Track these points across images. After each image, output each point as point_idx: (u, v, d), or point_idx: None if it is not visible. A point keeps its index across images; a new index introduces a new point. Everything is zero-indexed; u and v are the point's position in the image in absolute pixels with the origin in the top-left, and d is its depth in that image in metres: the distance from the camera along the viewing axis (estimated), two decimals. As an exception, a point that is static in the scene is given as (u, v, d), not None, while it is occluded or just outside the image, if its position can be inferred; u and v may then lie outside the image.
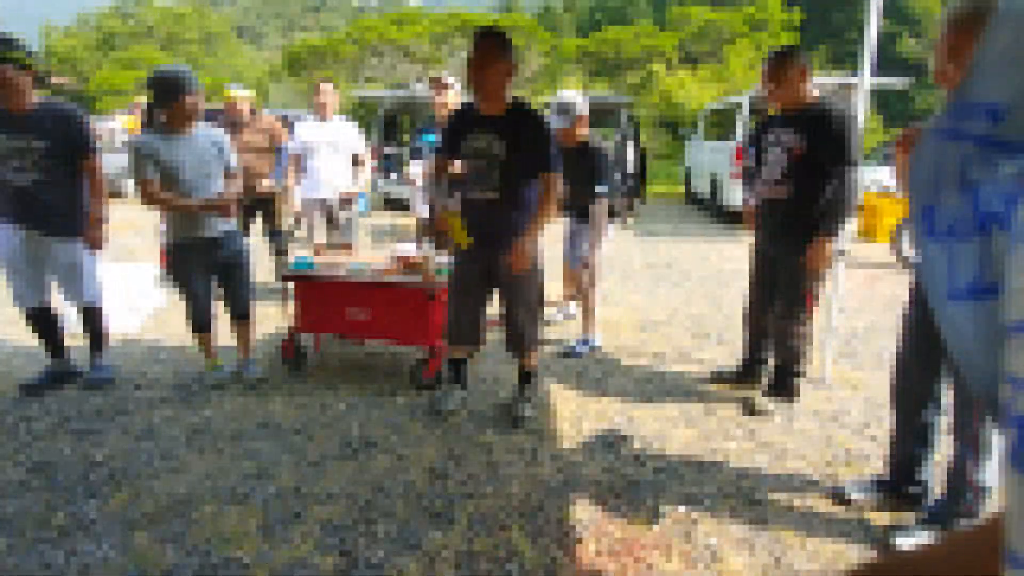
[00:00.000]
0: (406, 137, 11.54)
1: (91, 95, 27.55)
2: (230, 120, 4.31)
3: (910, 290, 1.95)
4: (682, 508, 2.09)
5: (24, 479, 2.26)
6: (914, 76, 12.21)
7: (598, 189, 3.23)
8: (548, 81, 23.35)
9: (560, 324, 4.11)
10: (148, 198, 2.72)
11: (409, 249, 3.21)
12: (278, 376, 3.22)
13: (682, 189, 13.09)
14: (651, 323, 4.18)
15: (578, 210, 3.49)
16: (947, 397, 1.91)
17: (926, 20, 21.71)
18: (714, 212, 9.53)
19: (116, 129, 10.57)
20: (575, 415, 2.79)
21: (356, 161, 4.42)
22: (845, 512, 2.06)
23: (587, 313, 3.56)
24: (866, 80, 2.85)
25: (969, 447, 1.74)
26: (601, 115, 10.10)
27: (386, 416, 2.76)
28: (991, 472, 1.74)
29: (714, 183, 9.49)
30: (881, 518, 2.02)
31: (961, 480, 1.78)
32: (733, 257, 6.35)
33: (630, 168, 9.10)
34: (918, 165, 0.39)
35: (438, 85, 4.02)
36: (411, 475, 2.28)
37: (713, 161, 9.62)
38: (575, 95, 3.29)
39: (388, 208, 10.19)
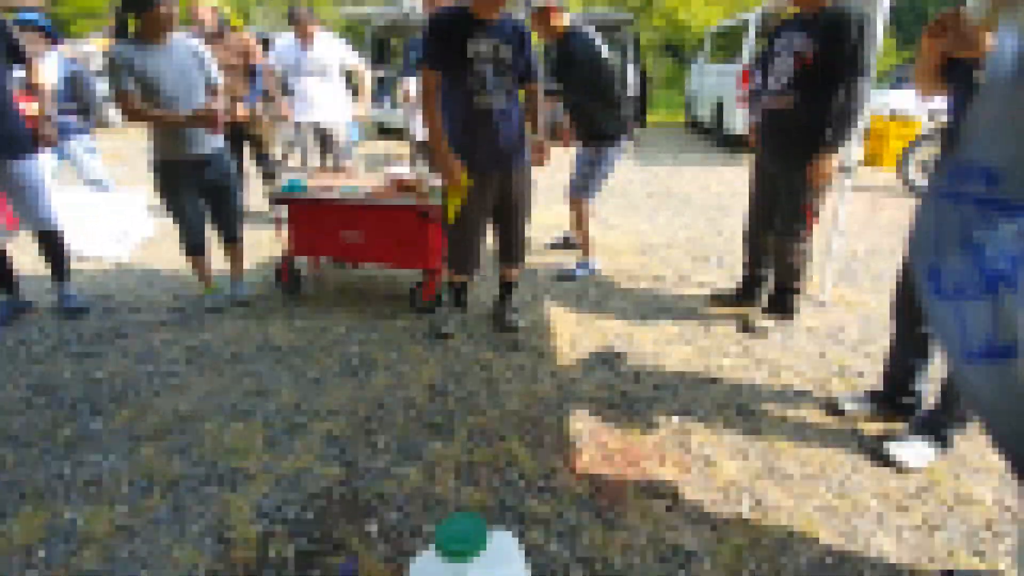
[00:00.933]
0: (398, 60, 11.00)
1: (64, 18, 26.06)
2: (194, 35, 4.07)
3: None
4: (677, 420, 2.13)
5: (27, 397, 2.28)
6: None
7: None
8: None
9: (562, 249, 4.07)
10: (130, 113, 2.58)
11: (402, 171, 3.11)
12: (276, 300, 3.20)
13: (683, 118, 12.67)
14: (651, 247, 4.13)
15: (585, 133, 3.35)
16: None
17: (951, -70, 20.30)
18: (717, 139, 9.26)
19: (92, 52, 10.03)
20: (573, 335, 2.80)
21: (353, 80, 4.22)
22: (838, 423, 2.10)
23: (584, 237, 3.51)
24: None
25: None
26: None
27: (385, 338, 2.76)
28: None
29: (718, 108, 9.17)
30: (873, 428, 2.06)
31: (955, 388, 1.79)
32: (735, 183, 6.22)
33: (631, 92, 8.76)
34: (920, 227, 0.40)
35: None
36: (411, 392, 2.31)
37: (718, 85, 9.25)
38: None
39: (382, 136, 9.89)
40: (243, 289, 3.17)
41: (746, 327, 2.80)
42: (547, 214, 4.91)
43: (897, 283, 1.98)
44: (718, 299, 3.11)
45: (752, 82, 2.86)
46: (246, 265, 3.53)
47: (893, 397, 2.06)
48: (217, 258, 3.28)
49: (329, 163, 4.27)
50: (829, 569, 1.50)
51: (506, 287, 2.90)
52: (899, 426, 2.03)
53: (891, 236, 4.30)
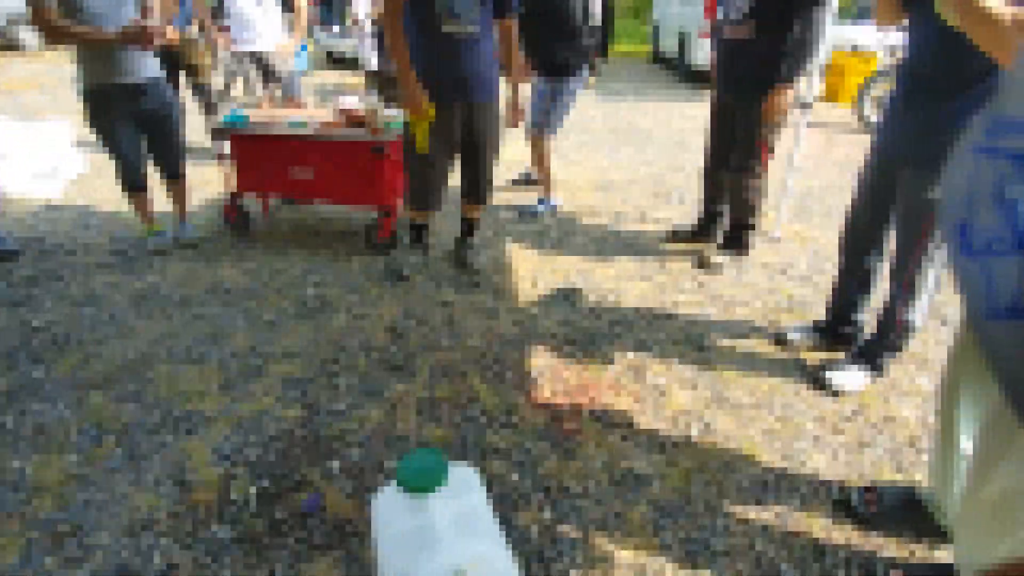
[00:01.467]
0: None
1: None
2: None
3: (870, 149, 1.91)
4: (633, 355, 2.19)
5: (-42, 347, 2.16)
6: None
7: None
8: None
9: (524, 186, 4.00)
10: (48, 32, 2.32)
11: (353, 102, 2.95)
12: (224, 241, 3.07)
13: (648, 49, 12.36)
14: (611, 184, 4.12)
15: (544, 64, 3.21)
16: (891, 244, 1.98)
17: None
18: (681, 73, 9.11)
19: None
20: (533, 274, 2.80)
21: (288, 6, 3.89)
22: (784, 353, 2.21)
23: (546, 174, 3.45)
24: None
25: (902, 288, 1.83)
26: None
27: (341, 278, 2.70)
28: (919, 312, 1.85)
29: (682, 41, 8.96)
30: (816, 357, 2.17)
31: (891, 318, 1.89)
32: (697, 119, 6.19)
33: (594, 21, 8.43)
34: (951, 182, 0.38)
35: None
36: (371, 333, 2.29)
37: (682, 16, 8.99)
38: None
39: (333, 66, 9.31)
40: (189, 230, 3.01)
41: (702, 264, 2.86)
42: (509, 150, 4.79)
43: (845, 218, 2.03)
44: (676, 235, 3.15)
45: (717, 13, 2.78)
46: (191, 204, 3.35)
47: (835, 327, 2.17)
48: (159, 197, 3.09)
49: (278, 94, 4.00)
50: (768, 487, 1.62)
51: (468, 225, 2.85)
52: (840, 355, 2.15)
53: (844, 172, 4.40)
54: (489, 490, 1.54)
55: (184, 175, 2.96)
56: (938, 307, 2.50)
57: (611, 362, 2.14)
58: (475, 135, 2.49)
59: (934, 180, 1.65)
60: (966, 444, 1.27)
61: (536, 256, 2.98)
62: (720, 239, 2.96)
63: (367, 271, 2.78)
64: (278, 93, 3.96)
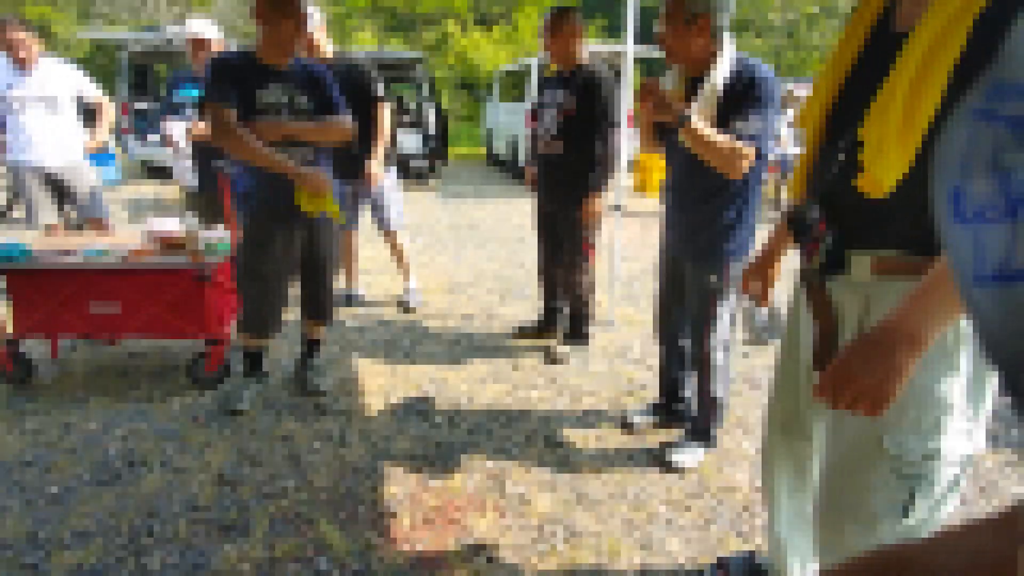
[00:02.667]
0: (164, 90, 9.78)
1: None
2: None
3: (659, 239, 2.21)
4: (491, 463, 2.16)
5: None
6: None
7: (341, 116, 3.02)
8: (338, 33, 21.67)
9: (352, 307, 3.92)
10: None
11: (168, 224, 2.71)
12: (-2, 398, 2.52)
13: (483, 150, 13.39)
14: (458, 285, 4.21)
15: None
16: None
17: None
18: (514, 172, 9.94)
19: None
20: (384, 388, 2.69)
21: (90, 113, 3.57)
22: (630, 437, 2.33)
23: (406, 266, 3.71)
24: (631, 49, 3.14)
25: (703, 366, 2.07)
26: (398, 71, 9.72)
27: (156, 426, 2.34)
28: (720, 384, 2.09)
29: (512, 144, 9.86)
30: (658, 437, 2.32)
31: (703, 395, 2.12)
32: (533, 215, 6.71)
33: (430, 130, 8.98)
34: (947, 146, 0.36)
35: (197, 44, 3.35)
36: (193, 488, 1.98)
37: (509, 122, 9.96)
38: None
39: (150, 176, 8.63)
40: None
41: (551, 358, 2.99)
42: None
43: (654, 305, 2.28)
44: (522, 331, 3.28)
45: (534, 122, 3.12)
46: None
47: (668, 406, 2.36)
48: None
49: (73, 216, 3.55)
50: (633, 585, 1.63)
51: (311, 346, 2.70)
52: (676, 432, 2.32)
53: (659, 256, 5.01)
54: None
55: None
56: (750, 371, 2.86)
57: (471, 475, 2.08)
58: (316, 252, 2.44)
59: (709, 268, 1.95)
60: (787, 506, 1.41)
61: (387, 369, 2.88)
62: (563, 332, 3.14)
63: (190, 412, 2.45)
64: (74, 215, 3.52)
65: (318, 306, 2.57)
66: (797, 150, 6.83)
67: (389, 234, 3.56)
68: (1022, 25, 0.33)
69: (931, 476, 1.01)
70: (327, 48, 3.13)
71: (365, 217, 3.68)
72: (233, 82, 2.11)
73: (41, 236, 3.34)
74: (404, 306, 3.66)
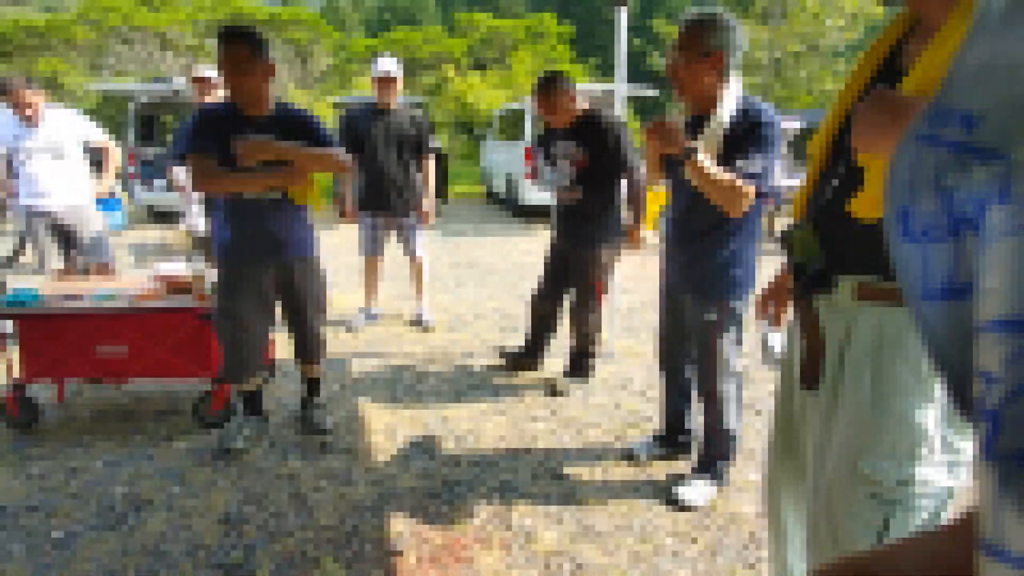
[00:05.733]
0: (171, 138, 10.02)
1: None
2: None
3: (660, 272, 2.27)
4: (498, 498, 2.15)
5: None
6: (662, 87, 14.42)
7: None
8: (338, 81, 22.35)
9: (363, 330, 3.96)
10: None
11: (174, 267, 2.77)
12: (3, 443, 2.53)
13: (482, 188, 13.63)
14: (460, 322, 4.25)
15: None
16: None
17: (669, 40, 25.76)
18: (512, 209, 10.10)
19: None
20: (389, 426, 2.70)
21: (96, 158, 3.69)
22: (636, 471, 2.32)
23: (423, 288, 4.11)
24: (622, 88, 3.26)
25: (710, 399, 2.08)
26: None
27: (161, 467, 2.35)
28: (731, 416, 2.10)
29: (510, 182, 10.06)
30: (663, 469, 2.32)
31: (712, 429, 2.12)
32: (531, 251, 6.80)
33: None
34: (894, 169, 0.38)
35: (202, 84, 3.54)
36: (198, 529, 1.97)
37: (507, 161, 10.18)
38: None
39: (155, 220, 8.78)
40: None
41: (553, 392, 3.00)
42: (347, 298, 4.78)
43: (656, 336, 2.31)
44: (505, 355, 3.32)
45: (534, 159, 3.26)
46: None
47: (672, 437, 2.36)
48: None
49: (80, 261, 3.62)
50: (642, 619, 1.61)
51: (311, 385, 2.71)
52: (681, 463, 2.32)
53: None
54: None
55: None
56: (752, 401, 2.87)
57: (476, 511, 2.07)
58: (294, 293, 2.46)
59: (709, 302, 1.98)
60: (794, 536, 1.41)
61: (390, 408, 2.89)
62: (566, 366, 3.14)
63: (195, 454, 2.45)
64: (80, 259, 3.59)
65: (305, 347, 2.59)
66: (788, 182, 6.98)
67: (415, 259, 4.02)
68: (962, 54, 0.35)
69: (906, 503, 1.02)
70: (397, 99, 3.75)
71: (391, 243, 4.12)
72: (216, 133, 2.21)
73: (50, 281, 3.40)
74: (419, 323, 4.07)
